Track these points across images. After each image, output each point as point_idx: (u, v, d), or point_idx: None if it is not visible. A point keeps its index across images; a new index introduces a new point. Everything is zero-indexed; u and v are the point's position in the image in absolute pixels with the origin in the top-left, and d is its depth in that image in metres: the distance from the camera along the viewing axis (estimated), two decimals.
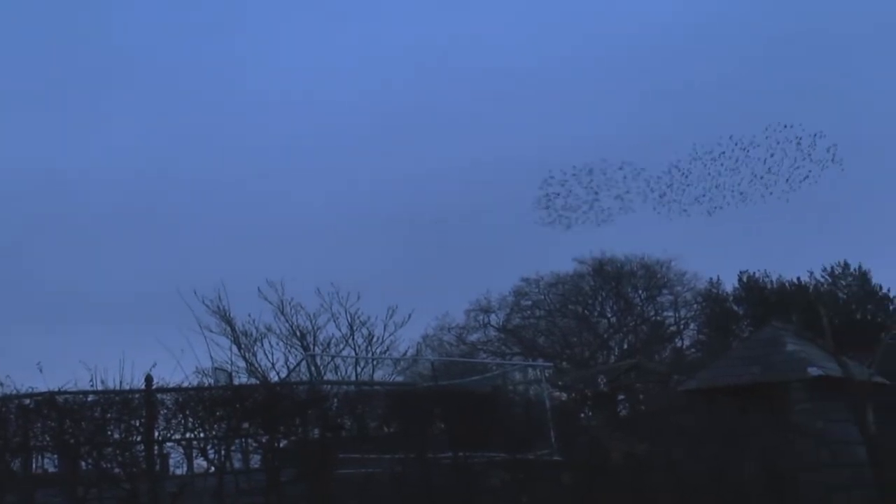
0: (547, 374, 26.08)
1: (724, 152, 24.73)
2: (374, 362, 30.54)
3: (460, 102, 65.07)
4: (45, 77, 62.66)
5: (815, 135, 24.86)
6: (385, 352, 32.69)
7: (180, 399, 15.56)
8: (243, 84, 64.52)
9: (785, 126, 24.41)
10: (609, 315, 51.25)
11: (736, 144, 24.46)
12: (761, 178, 24.13)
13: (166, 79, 63.84)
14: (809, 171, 24.29)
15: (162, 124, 63.44)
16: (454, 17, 66.61)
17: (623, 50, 56.92)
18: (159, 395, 15.42)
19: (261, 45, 68.63)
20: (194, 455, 16.20)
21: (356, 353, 31.45)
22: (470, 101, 65.26)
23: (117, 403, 15.02)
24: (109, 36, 64.68)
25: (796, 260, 48.05)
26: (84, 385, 15.10)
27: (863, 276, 43.96)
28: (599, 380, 41.43)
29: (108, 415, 14.97)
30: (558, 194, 24.64)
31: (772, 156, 24.37)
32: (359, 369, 29.14)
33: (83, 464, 15.12)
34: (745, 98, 48.87)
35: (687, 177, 24.52)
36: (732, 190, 24.60)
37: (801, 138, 24.39)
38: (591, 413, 38.08)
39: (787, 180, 24.42)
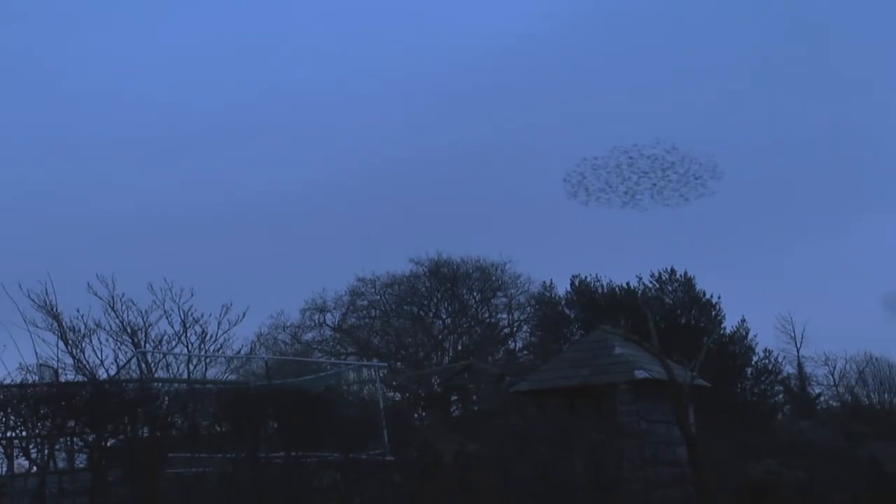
0: (381, 375, 26.18)
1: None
2: (207, 360, 30.04)
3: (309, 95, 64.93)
4: None
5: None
6: (218, 350, 32.17)
7: (1, 396, 15.01)
8: (72, 78, 62.81)
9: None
10: (444, 316, 51.64)
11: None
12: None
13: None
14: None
15: None
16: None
17: None
18: None
19: (104, 43, 66.93)
20: (15, 454, 15.64)
21: (189, 351, 30.88)
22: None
23: None
24: None
25: (626, 265, 49.64)
26: None
27: (688, 283, 45.37)
28: (433, 380, 41.75)
29: None
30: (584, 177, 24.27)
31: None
32: (191, 367, 28.62)
33: None
34: None
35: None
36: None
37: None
38: (424, 413, 38.40)
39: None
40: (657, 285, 45.76)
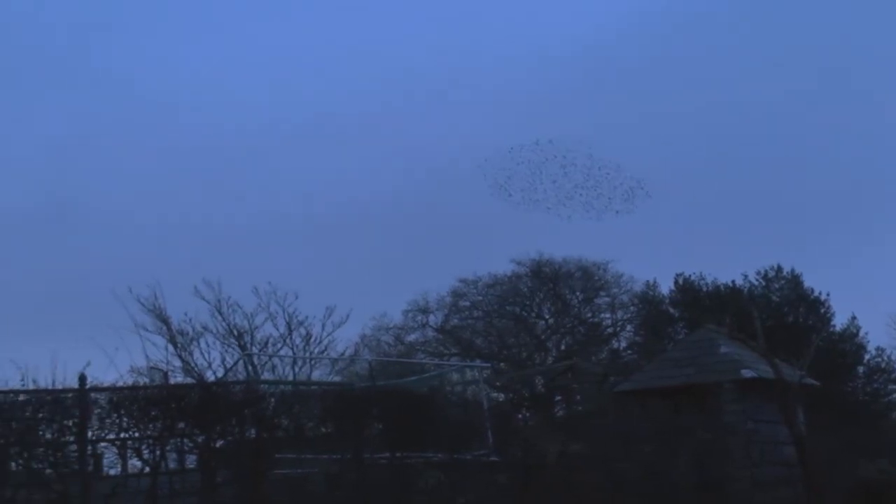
0: (485, 375, 26.19)
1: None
2: (312, 362, 30.51)
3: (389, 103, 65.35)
4: None
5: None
6: (323, 352, 32.72)
7: (114, 398, 15.38)
8: (172, 82, 64.00)
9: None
10: (546, 316, 51.46)
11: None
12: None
13: (93, 73, 63.35)
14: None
15: (87, 122, 62.84)
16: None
17: None
18: (93, 395, 15.24)
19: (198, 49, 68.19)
20: (129, 455, 16.03)
21: (294, 353, 31.41)
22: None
23: (49, 403, 14.80)
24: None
25: (731, 263, 48.81)
26: (14, 384, 14.89)
27: (795, 280, 44.58)
28: (536, 380, 41.67)
29: (40, 414, 14.74)
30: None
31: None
32: (296, 369, 29.08)
33: (13, 464, 14.88)
34: None
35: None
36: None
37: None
38: (527, 413, 38.31)
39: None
40: (763, 283, 45.03)
